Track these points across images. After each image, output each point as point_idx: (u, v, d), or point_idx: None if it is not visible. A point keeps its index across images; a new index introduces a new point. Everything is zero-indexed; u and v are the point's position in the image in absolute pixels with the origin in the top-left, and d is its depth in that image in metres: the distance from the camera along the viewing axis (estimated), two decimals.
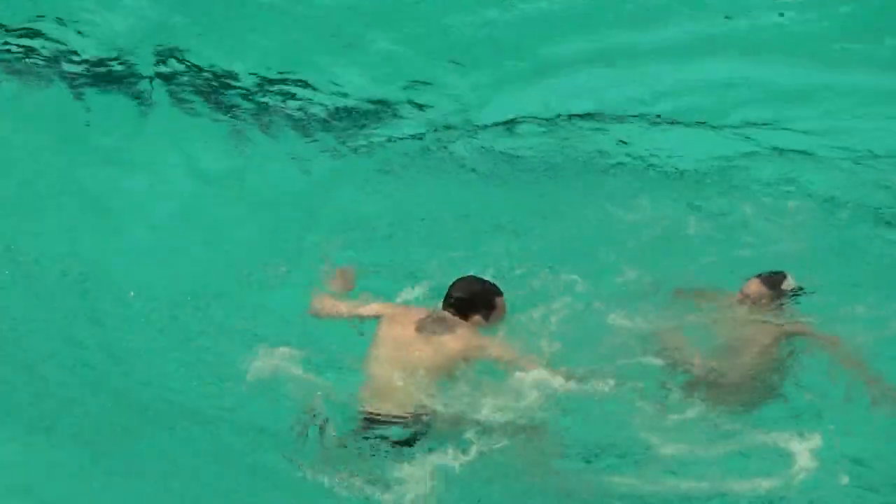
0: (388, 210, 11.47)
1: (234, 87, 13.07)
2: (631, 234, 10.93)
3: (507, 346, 9.00)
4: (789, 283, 9.67)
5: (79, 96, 12.66)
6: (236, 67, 13.30)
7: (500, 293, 9.14)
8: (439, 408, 8.81)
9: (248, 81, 13.16)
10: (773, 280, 9.67)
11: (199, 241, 11.00)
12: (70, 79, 12.83)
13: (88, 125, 12.39)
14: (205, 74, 13.13)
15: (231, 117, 12.68)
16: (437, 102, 13.15)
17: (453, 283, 9.14)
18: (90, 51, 13.20)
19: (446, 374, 8.95)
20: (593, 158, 12.45)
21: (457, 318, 9.05)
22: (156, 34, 13.49)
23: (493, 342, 9.00)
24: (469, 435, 8.77)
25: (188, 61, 13.24)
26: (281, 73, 13.28)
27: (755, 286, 9.63)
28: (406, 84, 13.29)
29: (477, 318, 9.06)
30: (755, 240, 10.91)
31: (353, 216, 11.35)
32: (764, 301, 9.58)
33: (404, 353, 8.97)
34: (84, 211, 11.25)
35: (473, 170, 12.28)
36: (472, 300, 9.07)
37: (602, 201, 11.51)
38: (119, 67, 13.10)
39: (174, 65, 13.19)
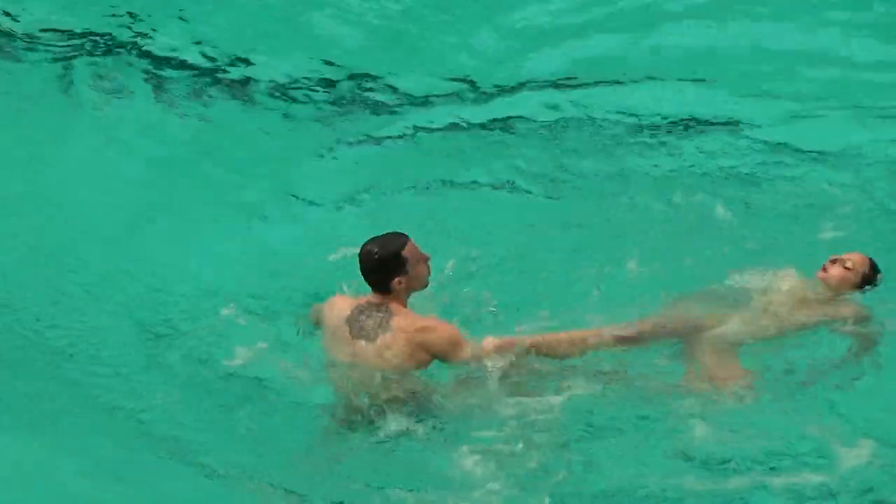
0: (382, 195, 11.29)
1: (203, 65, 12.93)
2: (647, 218, 10.83)
3: (452, 328, 8.57)
4: (880, 278, 9.42)
5: (34, 73, 12.58)
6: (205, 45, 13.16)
7: (403, 241, 8.56)
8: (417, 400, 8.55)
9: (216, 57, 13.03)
10: (875, 266, 9.42)
11: (170, 226, 10.82)
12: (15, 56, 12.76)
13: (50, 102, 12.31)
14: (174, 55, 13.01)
15: (193, 95, 12.52)
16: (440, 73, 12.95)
17: (359, 261, 8.62)
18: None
19: (411, 368, 8.59)
20: (602, 130, 12.26)
21: (385, 301, 8.55)
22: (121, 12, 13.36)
23: (441, 326, 8.52)
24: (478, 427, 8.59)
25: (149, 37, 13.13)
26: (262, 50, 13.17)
27: (861, 261, 9.38)
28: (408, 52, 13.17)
29: (397, 279, 8.54)
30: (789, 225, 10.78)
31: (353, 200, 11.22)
32: (852, 283, 9.33)
33: (353, 361, 8.61)
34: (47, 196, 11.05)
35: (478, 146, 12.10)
36: (380, 266, 8.52)
37: (615, 177, 11.45)
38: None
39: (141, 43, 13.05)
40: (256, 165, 11.61)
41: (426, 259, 8.60)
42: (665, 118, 12.25)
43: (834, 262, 9.35)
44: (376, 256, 8.48)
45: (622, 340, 8.91)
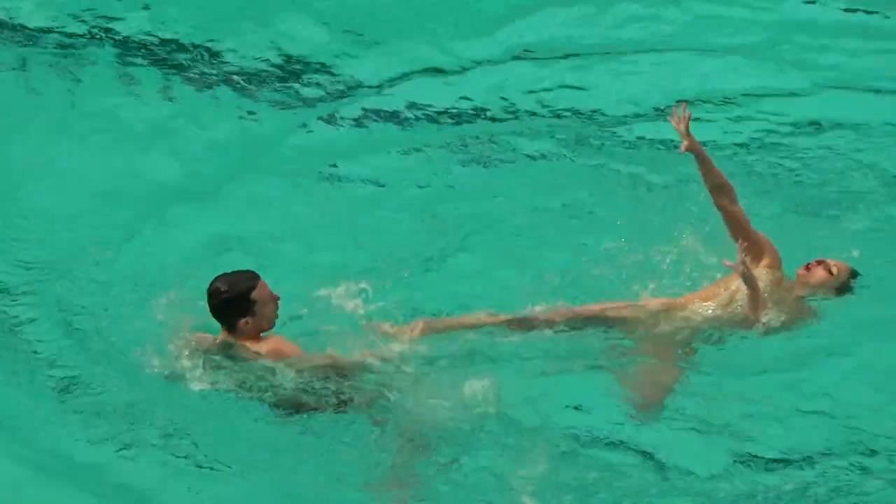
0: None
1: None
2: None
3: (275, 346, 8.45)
4: (856, 284, 9.58)
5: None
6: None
7: (252, 283, 8.38)
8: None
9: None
10: (854, 275, 9.54)
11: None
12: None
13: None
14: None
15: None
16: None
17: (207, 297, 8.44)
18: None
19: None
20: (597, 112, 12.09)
21: (232, 342, 8.37)
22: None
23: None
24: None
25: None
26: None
27: (844, 269, 9.51)
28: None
29: (244, 320, 8.36)
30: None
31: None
32: (829, 287, 9.45)
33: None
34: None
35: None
36: (227, 306, 8.34)
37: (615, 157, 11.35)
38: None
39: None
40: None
41: (275, 299, 8.48)
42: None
43: (819, 263, 9.48)
44: (224, 295, 8.36)
45: (516, 323, 9.03)
